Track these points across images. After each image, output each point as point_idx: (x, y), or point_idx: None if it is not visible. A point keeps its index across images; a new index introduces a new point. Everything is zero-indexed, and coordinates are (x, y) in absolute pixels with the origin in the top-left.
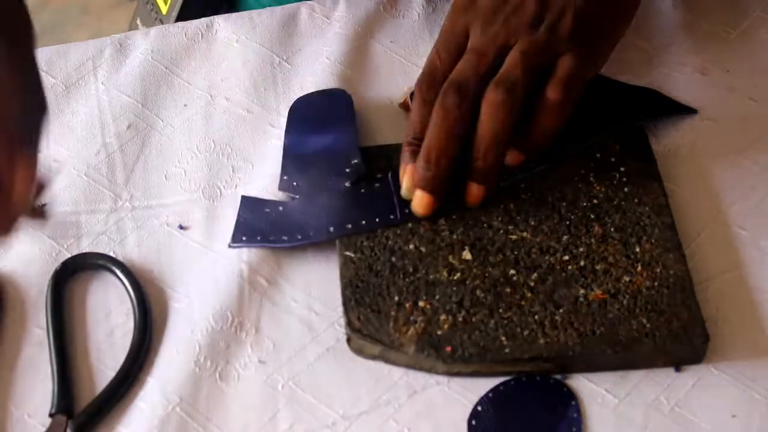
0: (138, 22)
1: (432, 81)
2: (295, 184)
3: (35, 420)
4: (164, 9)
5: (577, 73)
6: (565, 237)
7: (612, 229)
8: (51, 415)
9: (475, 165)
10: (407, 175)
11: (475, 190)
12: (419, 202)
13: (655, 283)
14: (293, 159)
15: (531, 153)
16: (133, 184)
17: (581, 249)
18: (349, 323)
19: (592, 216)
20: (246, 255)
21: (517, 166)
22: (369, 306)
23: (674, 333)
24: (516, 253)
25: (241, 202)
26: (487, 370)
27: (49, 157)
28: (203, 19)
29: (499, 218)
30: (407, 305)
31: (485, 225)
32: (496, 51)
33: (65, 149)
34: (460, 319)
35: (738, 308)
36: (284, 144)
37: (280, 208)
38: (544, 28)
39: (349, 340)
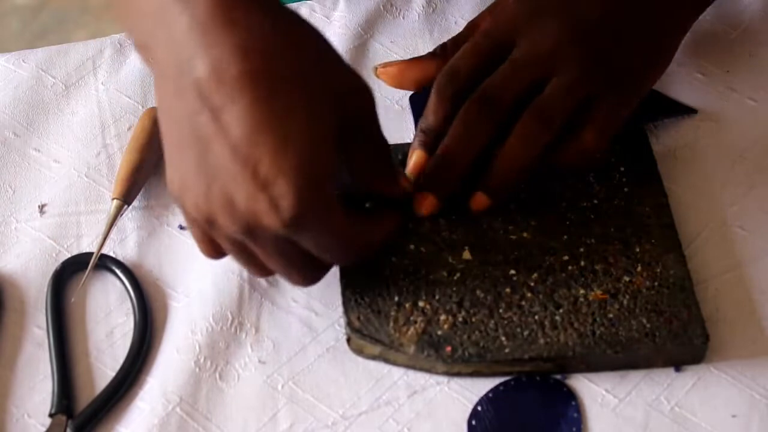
0: None
1: (452, 78)
2: None
3: (35, 420)
4: None
5: (615, 119)
6: (565, 237)
7: (612, 229)
8: (51, 415)
9: (491, 182)
10: (413, 160)
11: (482, 201)
12: (423, 202)
13: (655, 283)
14: None
15: (549, 172)
16: None
17: (581, 249)
18: (349, 323)
19: (592, 216)
20: None
21: None
22: (369, 306)
23: (674, 333)
24: (516, 253)
25: None
26: (487, 370)
27: (49, 157)
28: None
29: (499, 218)
30: (407, 305)
31: (485, 225)
32: (539, 73)
33: (65, 149)
34: (460, 319)
35: (738, 308)
36: None
37: None
38: (589, 61)
39: (349, 340)
